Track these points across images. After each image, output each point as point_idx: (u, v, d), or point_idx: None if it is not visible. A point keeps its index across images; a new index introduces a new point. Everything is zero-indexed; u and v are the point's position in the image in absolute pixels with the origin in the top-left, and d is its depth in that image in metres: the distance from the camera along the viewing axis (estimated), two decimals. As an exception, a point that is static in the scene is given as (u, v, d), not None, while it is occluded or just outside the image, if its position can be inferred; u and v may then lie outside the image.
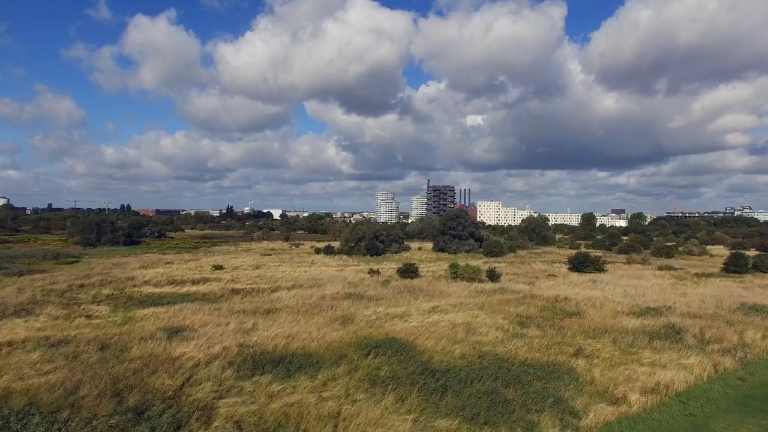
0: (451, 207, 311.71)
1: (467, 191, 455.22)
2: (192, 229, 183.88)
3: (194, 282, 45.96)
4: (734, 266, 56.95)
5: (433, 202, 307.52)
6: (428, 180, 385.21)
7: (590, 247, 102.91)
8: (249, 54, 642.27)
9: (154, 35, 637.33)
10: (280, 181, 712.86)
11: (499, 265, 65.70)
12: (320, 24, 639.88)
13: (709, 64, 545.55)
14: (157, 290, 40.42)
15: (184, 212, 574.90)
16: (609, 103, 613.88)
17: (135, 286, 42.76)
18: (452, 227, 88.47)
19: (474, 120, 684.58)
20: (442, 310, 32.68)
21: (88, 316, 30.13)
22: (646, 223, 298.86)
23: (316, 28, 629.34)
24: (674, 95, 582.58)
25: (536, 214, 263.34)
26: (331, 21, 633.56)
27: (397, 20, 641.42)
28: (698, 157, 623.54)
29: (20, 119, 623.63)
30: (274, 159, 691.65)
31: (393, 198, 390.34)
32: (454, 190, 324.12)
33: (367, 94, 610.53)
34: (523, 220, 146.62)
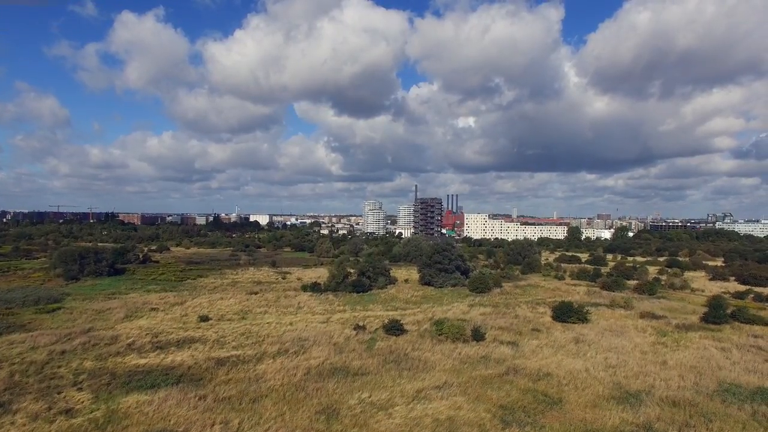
0: (438, 219, 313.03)
1: (455, 197, 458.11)
2: (178, 245, 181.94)
3: (179, 344, 45.65)
4: (713, 317, 58.14)
5: (421, 214, 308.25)
6: (416, 186, 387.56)
7: (575, 276, 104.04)
8: (239, 53, 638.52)
9: (142, 33, 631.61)
10: (268, 182, 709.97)
11: (485, 309, 66.34)
12: (315, 23, 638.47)
13: (705, 68, 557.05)
14: (142, 361, 40.06)
15: (170, 218, 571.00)
16: (601, 105, 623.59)
17: (119, 352, 42.34)
18: (438, 261, 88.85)
19: (465, 122, 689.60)
20: (425, 397, 32.89)
21: (68, 411, 29.74)
22: (631, 234, 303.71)
23: (310, 27, 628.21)
24: (667, 99, 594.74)
25: (523, 234, 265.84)
26: (326, 20, 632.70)
27: (393, 20, 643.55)
28: (685, 160, 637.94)
29: (1, 118, 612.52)
30: (262, 160, 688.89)
31: (380, 207, 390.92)
32: (441, 203, 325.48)
33: (359, 95, 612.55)
34: (509, 244, 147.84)
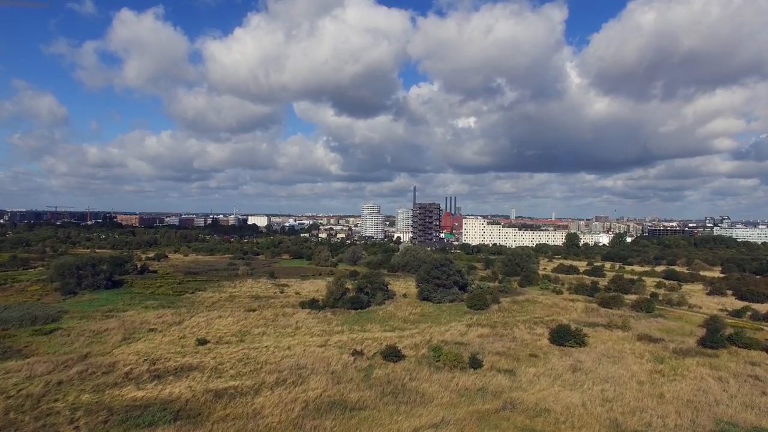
0: (437, 224, 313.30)
1: (453, 198, 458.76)
2: (176, 251, 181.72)
3: (176, 372, 45.60)
4: (710, 341, 58.32)
5: (419, 219, 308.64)
6: (414, 187, 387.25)
7: (573, 290, 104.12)
8: (239, 52, 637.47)
9: (141, 31, 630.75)
10: (267, 182, 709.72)
11: (482, 329, 66.46)
12: (316, 22, 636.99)
13: (709, 69, 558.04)
14: (139, 394, 39.91)
15: (168, 219, 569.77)
16: (602, 106, 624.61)
17: (116, 383, 42.27)
18: (437, 276, 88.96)
19: (465, 122, 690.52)
20: (423, 437, 32.92)
21: (66, 455, 29.68)
22: (629, 239, 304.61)
23: (312, 26, 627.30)
24: (669, 100, 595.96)
25: (521, 239, 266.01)
26: (328, 19, 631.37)
27: (396, 19, 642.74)
28: (685, 161, 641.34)
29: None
30: (261, 160, 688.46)
31: (379, 211, 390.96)
32: (439, 207, 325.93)
33: (360, 95, 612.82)
34: (506, 255, 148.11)
